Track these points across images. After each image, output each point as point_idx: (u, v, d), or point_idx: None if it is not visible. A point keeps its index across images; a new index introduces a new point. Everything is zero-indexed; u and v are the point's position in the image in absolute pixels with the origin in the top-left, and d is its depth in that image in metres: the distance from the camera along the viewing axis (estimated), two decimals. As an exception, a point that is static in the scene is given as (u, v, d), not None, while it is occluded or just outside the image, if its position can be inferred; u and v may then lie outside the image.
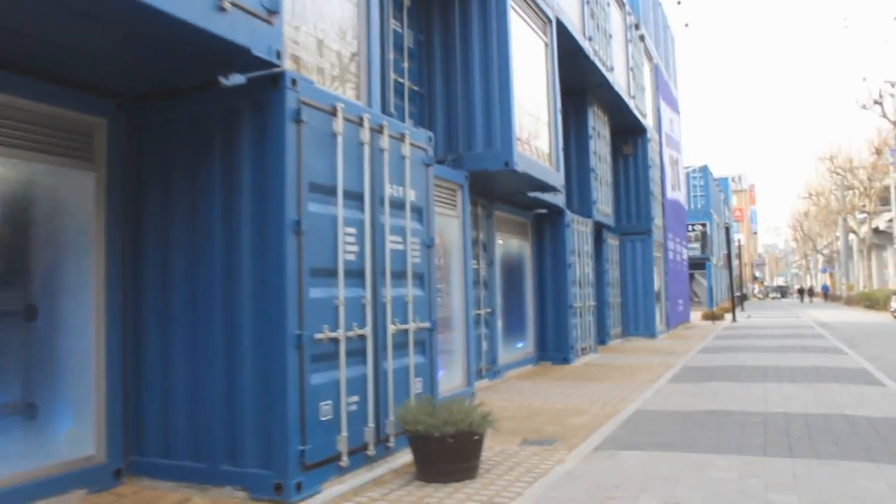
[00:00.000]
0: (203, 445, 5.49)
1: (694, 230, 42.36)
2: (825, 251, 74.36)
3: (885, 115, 39.58)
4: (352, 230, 6.11)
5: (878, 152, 42.88)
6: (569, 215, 14.48)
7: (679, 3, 41.81)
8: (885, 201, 47.99)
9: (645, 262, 20.52)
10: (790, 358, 14.21)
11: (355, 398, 5.90)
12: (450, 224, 9.76)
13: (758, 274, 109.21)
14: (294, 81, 5.40)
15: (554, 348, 14.27)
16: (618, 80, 17.58)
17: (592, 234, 16.14)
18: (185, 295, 5.66)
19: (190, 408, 5.57)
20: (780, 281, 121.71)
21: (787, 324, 27.32)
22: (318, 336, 5.51)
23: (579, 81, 16.12)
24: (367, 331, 6.16)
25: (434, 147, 7.66)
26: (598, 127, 17.43)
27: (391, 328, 6.51)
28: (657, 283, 21.83)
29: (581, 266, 15.10)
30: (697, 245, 42.25)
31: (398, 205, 6.84)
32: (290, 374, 5.21)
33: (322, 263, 5.67)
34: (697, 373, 12.20)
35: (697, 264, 42.43)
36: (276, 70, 5.25)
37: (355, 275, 6.12)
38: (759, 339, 19.33)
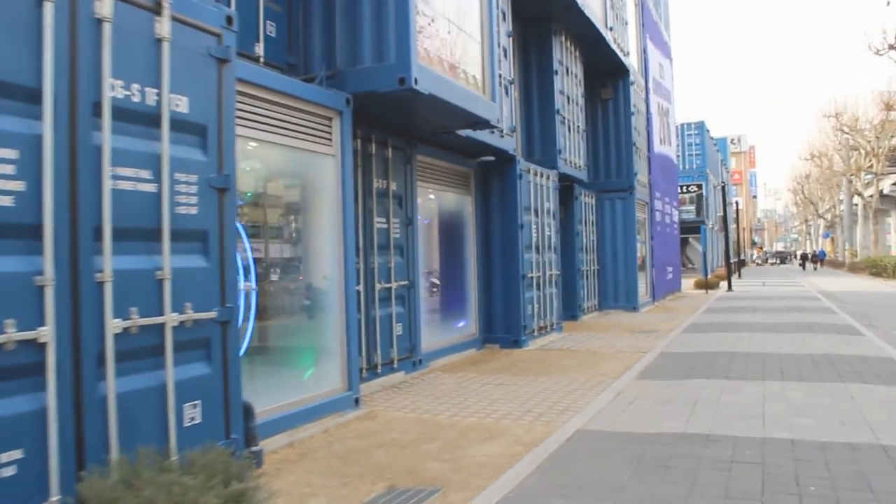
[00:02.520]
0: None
1: (689, 192, 39.52)
2: (827, 216, 71.45)
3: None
4: (10, 153, 3.33)
5: (889, 107, 39.68)
6: (522, 163, 11.64)
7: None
8: (893, 162, 45.06)
9: (626, 224, 17.71)
10: (794, 341, 11.48)
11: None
12: (319, 164, 6.95)
13: (757, 239, 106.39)
14: None
15: (502, 328, 11.54)
16: (591, 7, 14.61)
17: (557, 189, 13.31)
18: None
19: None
20: (779, 246, 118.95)
21: (789, 293, 24.59)
22: None
23: (541, 5, 13.19)
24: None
25: (302, 61, 4.89)
26: (568, 62, 14.50)
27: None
28: (641, 248, 19.06)
29: (540, 227, 12.30)
30: (692, 208, 39.43)
31: (141, 117, 4.03)
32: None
33: None
34: (676, 363, 9.48)
35: (692, 228, 39.63)
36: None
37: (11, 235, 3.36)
38: (756, 314, 16.60)
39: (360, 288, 8.15)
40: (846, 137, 47.59)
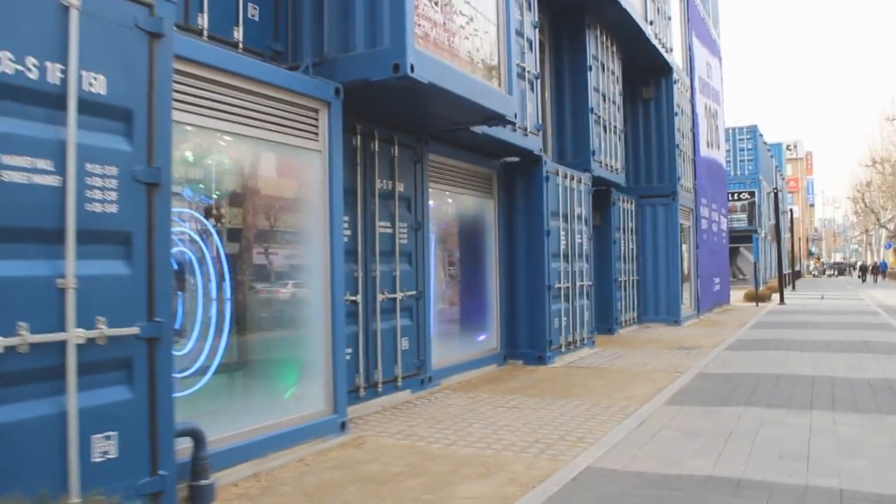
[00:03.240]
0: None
1: (740, 199, 37.94)
2: (889, 225, 68.27)
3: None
4: None
5: (957, 110, 37.36)
6: (549, 164, 10.80)
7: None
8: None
9: (669, 231, 16.66)
10: (849, 363, 10.39)
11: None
12: (304, 161, 6.26)
13: (814, 250, 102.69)
14: None
15: (526, 343, 10.70)
16: (631, -1, 13.69)
17: (590, 193, 12.42)
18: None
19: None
20: (837, 257, 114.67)
21: (846, 307, 23.09)
22: None
23: (574, -6, 12.37)
24: None
25: (290, 48, 4.35)
26: (603, 58, 13.60)
27: None
28: (685, 257, 17.97)
29: (570, 234, 11.44)
30: (744, 216, 37.80)
31: (40, 97, 3.38)
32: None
33: None
34: (714, 385, 8.53)
35: (744, 237, 37.92)
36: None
37: None
38: (808, 330, 15.38)
39: (359, 298, 7.45)
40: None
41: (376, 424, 6.84)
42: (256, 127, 5.68)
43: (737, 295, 27.50)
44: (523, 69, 10.01)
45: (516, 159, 10.63)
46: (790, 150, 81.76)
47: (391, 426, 6.77)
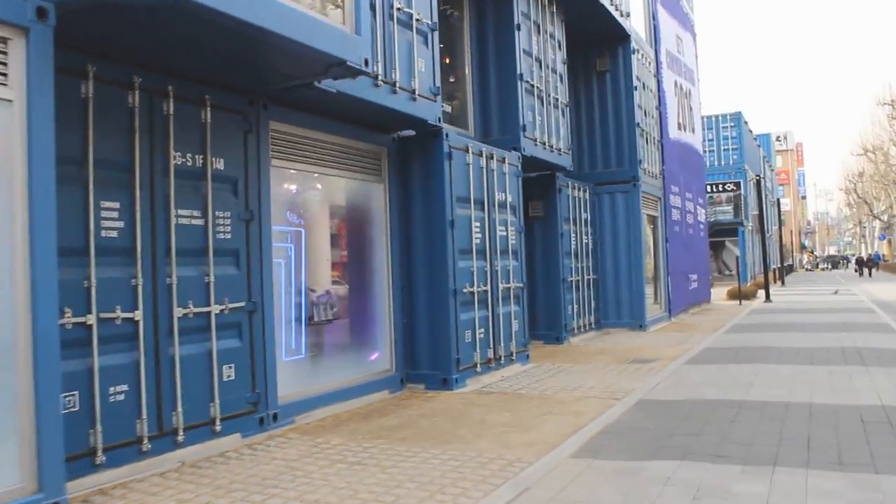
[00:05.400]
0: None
1: (726, 190, 35.83)
2: (883, 216, 66.32)
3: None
4: None
5: (952, 91, 35.29)
6: (453, 139, 8.63)
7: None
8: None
9: (630, 222, 14.51)
10: (836, 381, 8.26)
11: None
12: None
13: (807, 243, 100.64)
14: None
15: (428, 363, 8.52)
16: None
17: (518, 176, 10.24)
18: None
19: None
20: (832, 250, 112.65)
21: (837, 304, 20.95)
22: None
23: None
24: None
25: None
26: (538, 17, 11.44)
27: None
28: (650, 252, 15.82)
29: (488, 225, 9.28)
30: (730, 208, 35.65)
31: None
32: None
33: None
34: (653, 421, 6.37)
35: (730, 230, 35.87)
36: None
37: None
38: (791, 334, 13.24)
39: (139, 315, 5.28)
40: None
41: (136, 499, 4.65)
42: None
43: (720, 292, 25.39)
44: (409, 15, 7.84)
45: (411, 133, 8.47)
46: (780, 141, 79.70)
47: (151, 500, 4.59)
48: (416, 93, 7.80)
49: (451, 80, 10.37)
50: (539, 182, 12.42)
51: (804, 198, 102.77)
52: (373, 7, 7.22)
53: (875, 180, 60.09)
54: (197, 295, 5.78)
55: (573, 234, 13.11)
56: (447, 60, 10.22)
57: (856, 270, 52.77)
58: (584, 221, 13.65)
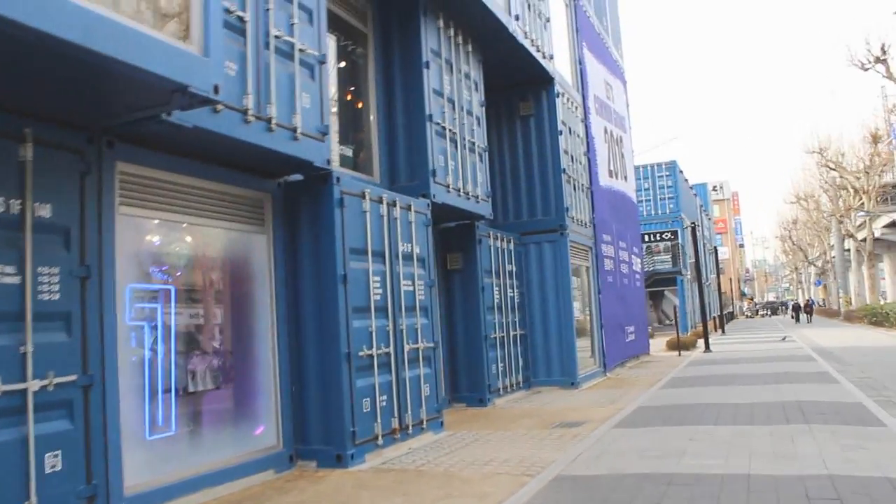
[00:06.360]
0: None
1: (663, 239, 35.73)
2: (818, 262, 67.76)
3: (890, 75, 32.44)
4: None
5: (876, 139, 36.21)
6: (347, 183, 7.72)
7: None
8: (885, 200, 41.59)
9: (558, 273, 13.72)
10: (777, 444, 7.45)
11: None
12: None
13: (746, 290, 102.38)
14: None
15: (321, 437, 7.41)
16: (487, -13, 10.92)
17: (427, 226, 9.36)
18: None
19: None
20: (770, 297, 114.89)
21: (777, 353, 20.49)
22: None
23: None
24: None
25: None
26: (451, 56, 10.74)
27: None
28: (580, 304, 15.06)
29: (391, 280, 8.32)
30: (668, 257, 35.50)
31: None
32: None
33: None
34: (564, 507, 5.39)
35: (669, 280, 35.69)
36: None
37: None
38: (730, 388, 12.51)
39: None
40: (833, 175, 44.13)
41: None
42: None
43: (660, 343, 24.81)
44: (289, 44, 6.97)
45: (299, 177, 7.54)
46: (716, 190, 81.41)
47: None
48: (299, 131, 6.87)
49: (354, 120, 9.52)
50: (458, 232, 11.59)
51: (742, 246, 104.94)
52: (242, 33, 6.34)
53: (808, 227, 61.43)
54: (8, 369, 4.65)
55: (496, 287, 12.25)
56: (349, 98, 9.38)
57: (792, 317, 53.29)
58: (508, 273, 12.82)
